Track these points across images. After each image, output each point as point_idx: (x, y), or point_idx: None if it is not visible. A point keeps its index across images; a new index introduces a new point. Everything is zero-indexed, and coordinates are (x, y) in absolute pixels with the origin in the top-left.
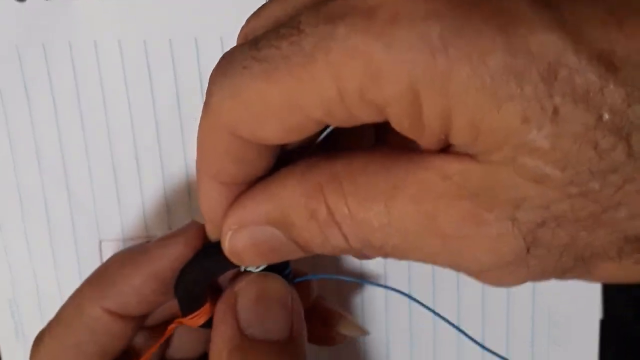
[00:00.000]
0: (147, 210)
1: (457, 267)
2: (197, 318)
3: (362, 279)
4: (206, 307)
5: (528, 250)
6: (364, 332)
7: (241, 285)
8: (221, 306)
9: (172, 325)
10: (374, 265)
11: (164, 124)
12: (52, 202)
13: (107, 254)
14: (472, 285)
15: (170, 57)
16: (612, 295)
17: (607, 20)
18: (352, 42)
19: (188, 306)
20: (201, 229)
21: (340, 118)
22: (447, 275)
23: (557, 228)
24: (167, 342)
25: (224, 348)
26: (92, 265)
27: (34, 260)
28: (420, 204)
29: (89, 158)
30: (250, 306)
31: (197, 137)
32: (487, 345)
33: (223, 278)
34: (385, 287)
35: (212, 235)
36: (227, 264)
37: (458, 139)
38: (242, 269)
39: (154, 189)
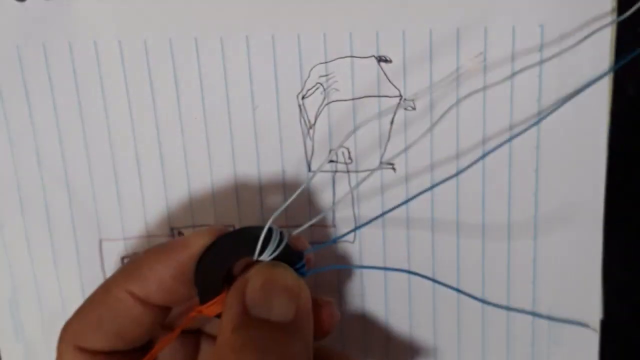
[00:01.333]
0: (148, 210)
1: None
2: (214, 307)
3: (381, 267)
4: (222, 296)
5: None
6: None
7: (251, 272)
8: (232, 290)
9: (192, 313)
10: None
11: (163, 124)
12: (52, 201)
13: (108, 254)
14: (472, 286)
15: (170, 57)
16: (612, 295)
17: None
18: None
19: (206, 295)
20: (219, 228)
21: None
22: (448, 275)
23: None
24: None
25: (229, 325)
26: (92, 264)
27: (34, 260)
28: None
29: (89, 157)
30: (257, 289)
31: None
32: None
33: (239, 269)
34: (409, 272)
35: None
36: (239, 253)
37: None
38: (255, 258)
39: (154, 188)
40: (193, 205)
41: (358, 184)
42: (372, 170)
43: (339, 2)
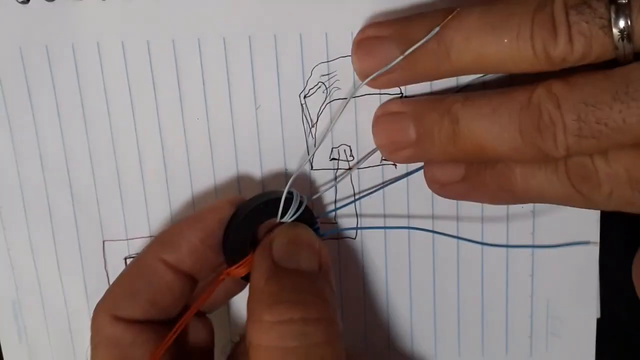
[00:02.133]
0: (151, 210)
1: None
2: (241, 268)
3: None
4: (249, 258)
5: None
6: None
7: (276, 232)
8: (259, 249)
9: (221, 276)
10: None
11: (166, 125)
12: (55, 203)
13: (111, 255)
14: (471, 284)
15: (173, 57)
16: (608, 295)
17: None
18: None
19: (234, 257)
20: (237, 198)
21: None
22: (448, 264)
23: None
24: (185, 338)
25: (262, 277)
26: (95, 265)
27: (37, 262)
28: None
29: (92, 159)
30: (283, 246)
31: None
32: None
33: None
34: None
35: None
36: (264, 215)
37: None
38: (278, 219)
39: (157, 188)
40: (196, 205)
41: (352, 169)
42: (354, 166)
43: (341, 1)
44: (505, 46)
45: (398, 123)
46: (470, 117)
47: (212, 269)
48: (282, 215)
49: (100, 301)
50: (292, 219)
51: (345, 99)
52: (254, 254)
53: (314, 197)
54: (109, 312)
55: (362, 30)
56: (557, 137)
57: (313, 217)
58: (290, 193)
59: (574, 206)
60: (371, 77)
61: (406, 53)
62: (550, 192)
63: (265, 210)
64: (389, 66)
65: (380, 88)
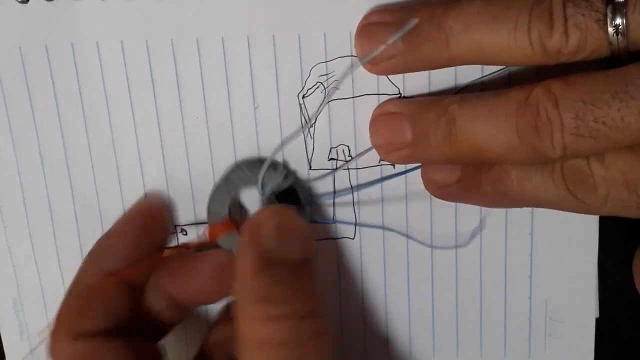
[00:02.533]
0: None
1: None
2: (220, 227)
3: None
4: (227, 221)
5: None
6: None
7: (262, 217)
8: (244, 237)
9: (207, 238)
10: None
11: (165, 124)
12: (55, 201)
13: None
14: (470, 284)
15: (172, 57)
16: (607, 295)
17: None
18: None
19: (215, 221)
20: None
21: None
22: (446, 266)
23: None
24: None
25: (251, 269)
26: None
27: (38, 259)
28: None
29: (92, 157)
30: (272, 235)
31: None
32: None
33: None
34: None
35: None
36: (242, 182)
37: None
38: (258, 187)
39: (157, 187)
40: (195, 204)
41: (339, 168)
42: (354, 158)
43: (340, 1)
44: (503, 36)
45: (395, 124)
46: (467, 118)
47: (150, 270)
48: (264, 188)
49: (52, 329)
50: (276, 187)
51: (345, 99)
52: (232, 219)
53: (313, 179)
54: (65, 333)
55: (366, 16)
56: (554, 136)
57: (297, 194)
58: (275, 163)
59: (569, 210)
60: (367, 57)
61: (398, 35)
62: (545, 195)
63: (245, 176)
64: (381, 48)
65: (381, 74)
